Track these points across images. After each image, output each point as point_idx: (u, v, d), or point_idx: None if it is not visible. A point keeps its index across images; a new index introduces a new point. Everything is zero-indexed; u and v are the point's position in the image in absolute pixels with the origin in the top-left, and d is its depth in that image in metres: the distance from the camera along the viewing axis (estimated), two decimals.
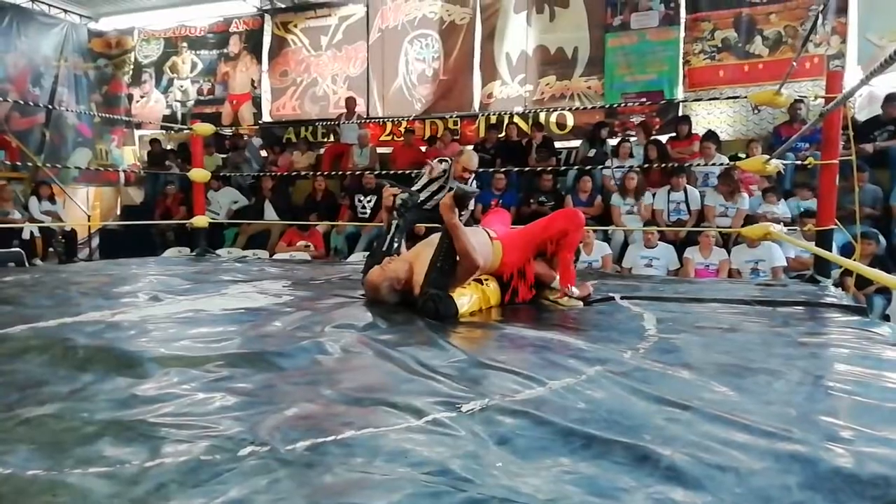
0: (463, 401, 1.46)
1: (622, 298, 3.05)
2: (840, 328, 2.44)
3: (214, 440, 1.20)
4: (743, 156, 7.11)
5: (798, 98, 7.18)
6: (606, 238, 6.54)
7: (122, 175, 10.33)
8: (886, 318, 5.19)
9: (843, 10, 7.26)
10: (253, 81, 10.22)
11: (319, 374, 1.71)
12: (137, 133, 11.17)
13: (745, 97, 4.70)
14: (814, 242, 4.11)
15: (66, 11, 10.53)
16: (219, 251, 7.20)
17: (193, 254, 5.95)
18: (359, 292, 3.05)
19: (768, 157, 4.06)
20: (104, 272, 4.18)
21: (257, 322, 2.36)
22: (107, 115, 8.83)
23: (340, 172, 8.17)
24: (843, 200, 6.15)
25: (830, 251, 4.06)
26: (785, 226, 5.96)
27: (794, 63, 3.88)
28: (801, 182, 6.48)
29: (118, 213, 10.24)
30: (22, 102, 8.50)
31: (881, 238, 5.82)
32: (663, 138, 7.71)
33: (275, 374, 1.70)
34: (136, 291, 3.12)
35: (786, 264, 5.56)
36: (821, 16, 7.11)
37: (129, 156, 11.08)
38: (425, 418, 1.34)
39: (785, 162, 4.73)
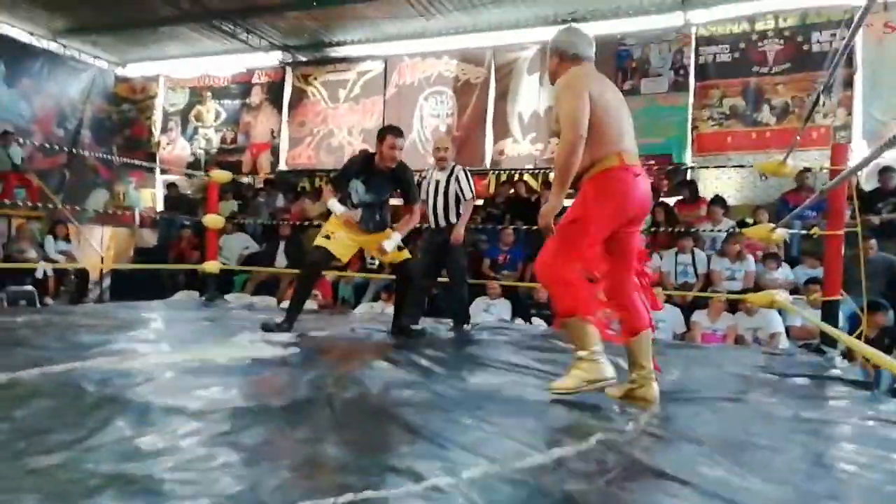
0: (463, 466, 1.47)
1: None
2: (843, 403, 2.43)
3: (215, 499, 1.22)
4: (750, 221, 7.19)
5: (805, 167, 7.33)
6: None
7: (137, 217, 10.51)
8: (895, 391, 5.12)
9: (848, 83, 7.42)
10: (272, 131, 10.48)
11: (322, 430, 1.73)
12: (161, 178, 11.42)
13: (752, 165, 4.77)
14: (819, 312, 4.13)
15: (95, 58, 10.92)
16: (228, 296, 7.27)
17: (203, 299, 6.00)
18: (365, 346, 3.08)
19: (774, 225, 4.10)
20: (115, 315, 4.23)
21: (263, 374, 2.39)
22: (127, 160, 9.02)
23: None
24: (856, 269, 6.21)
25: (836, 321, 4.06)
26: (790, 293, 6.01)
27: (799, 136, 3.97)
28: (807, 250, 6.50)
29: (131, 254, 10.37)
30: (47, 146, 8.73)
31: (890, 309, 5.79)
32: (671, 201, 7.79)
33: (278, 429, 1.72)
34: (145, 337, 3.16)
35: (782, 331, 5.52)
36: (826, 89, 7.27)
37: (147, 198, 11.30)
38: (424, 483, 1.35)
39: (790, 231, 4.77)
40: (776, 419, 2.14)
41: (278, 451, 1.55)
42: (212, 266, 5.57)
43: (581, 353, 2.26)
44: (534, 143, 8.88)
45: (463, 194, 4.52)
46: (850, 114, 7.45)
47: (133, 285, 8.28)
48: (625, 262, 2.35)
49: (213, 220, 5.55)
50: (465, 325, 4.60)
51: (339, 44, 9.98)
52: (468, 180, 4.58)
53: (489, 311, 6.53)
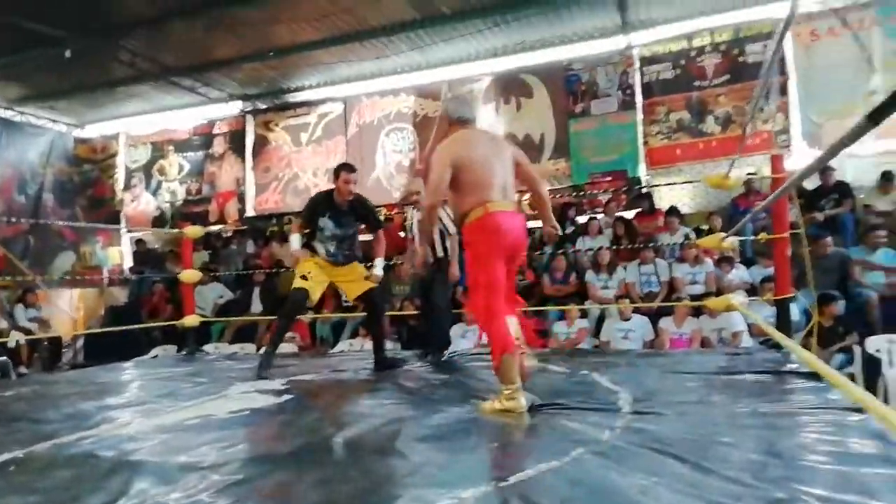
0: (467, 488, 1.64)
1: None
2: (795, 396, 2.68)
3: None
4: (705, 227, 7.56)
5: (750, 172, 7.75)
6: (584, 312, 6.80)
7: (106, 276, 10.47)
8: (850, 375, 5.44)
9: (784, 90, 7.91)
10: (238, 179, 10.60)
11: (331, 472, 1.89)
12: (128, 235, 11.40)
13: (699, 181, 5.09)
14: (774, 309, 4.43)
15: (53, 121, 10.94)
16: (206, 347, 7.32)
17: (183, 353, 6.06)
18: (353, 385, 3.24)
19: (725, 234, 4.39)
20: (98, 379, 4.28)
21: (264, 423, 2.53)
22: (89, 224, 9.05)
23: None
24: (816, 266, 6.57)
25: (789, 318, 4.35)
26: (747, 293, 6.33)
27: (741, 146, 4.29)
28: (761, 250, 6.85)
29: (102, 314, 10.30)
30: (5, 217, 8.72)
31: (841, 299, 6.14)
32: (630, 214, 8.13)
33: (290, 474, 1.87)
34: (140, 399, 3.26)
35: (744, 329, 5.82)
36: (763, 97, 7.74)
37: (115, 256, 11.26)
38: None
39: (741, 238, 5.09)
40: (736, 416, 2.37)
41: (295, 494, 1.70)
42: (191, 320, 5.65)
43: (507, 389, 2.57)
44: None
45: (447, 229, 4.69)
46: (787, 118, 7.92)
47: (107, 345, 8.24)
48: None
49: (189, 276, 5.65)
50: (444, 351, 4.80)
51: (297, 89, 10.20)
52: (449, 216, 4.65)
53: (465, 337, 6.71)
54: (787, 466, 1.76)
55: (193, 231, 5.77)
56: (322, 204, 4.21)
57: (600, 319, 6.75)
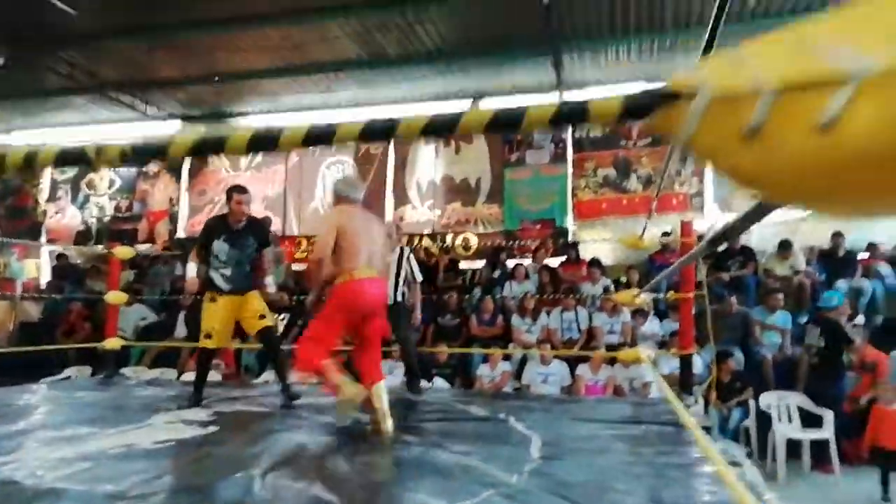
0: None
1: None
2: (686, 447, 2.98)
3: None
4: (623, 279, 8.03)
5: (665, 232, 8.31)
6: (507, 356, 7.06)
7: (19, 289, 10.01)
8: (745, 429, 5.91)
9: None
10: (171, 199, 10.44)
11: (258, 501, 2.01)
12: (48, 248, 10.95)
13: (618, 240, 5.48)
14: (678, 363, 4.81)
15: None
16: (125, 370, 7.13)
17: (100, 376, 5.90)
18: (273, 416, 3.33)
19: (638, 291, 4.76)
20: (13, 401, 4.18)
21: (190, 455, 2.60)
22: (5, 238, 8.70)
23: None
24: (722, 323, 7.09)
25: (691, 371, 4.74)
26: (660, 345, 6.77)
27: (651, 214, 4.69)
28: (672, 305, 7.33)
29: (11, 329, 9.82)
30: None
31: (739, 354, 6.65)
32: (556, 262, 8.53)
33: None
34: (60, 423, 3.24)
35: (653, 380, 6.22)
36: (681, 161, 8.38)
37: (32, 269, 10.78)
38: None
39: (652, 295, 5.49)
40: (633, 465, 2.63)
41: None
42: (113, 343, 5.54)
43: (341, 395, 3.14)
44: (431, 209, 9.45)
45: (414, 276, 4.95)
46: (702, 182, 8.58)
47: (15, 362, 7.87)
48: (367, 342, 3.40)
49: (116, 297, 5.57)
50: (420, 384, 5.02)
51: (239, 114, 10.23)
52: (415, 264, 5.03)
53: (392, 374, 6.83)
54: None
55: (123, 252, 5.71)
56: (216, 228, 4.29)
57: (522, 362, 7.02)
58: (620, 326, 7.18)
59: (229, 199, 4.27)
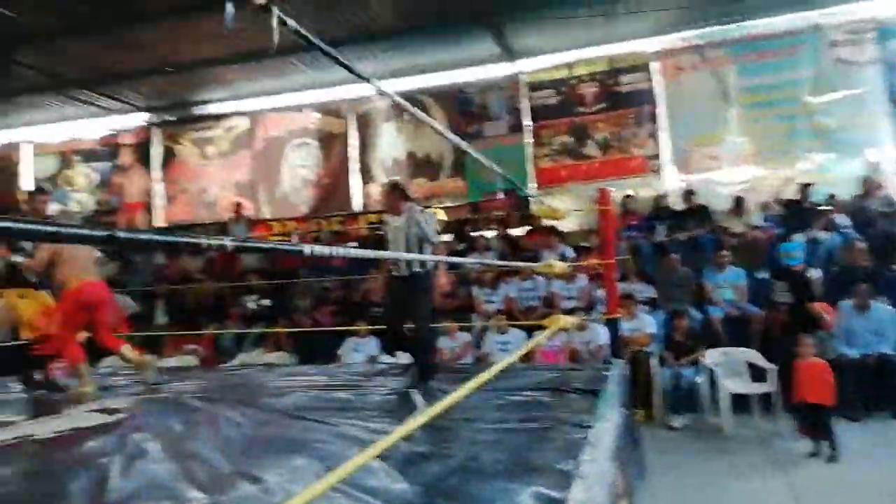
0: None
1: None
2: (550, 412, 3.19)
3: None
4: (586, 244, 8.16)
5: (626, 194, 8.42)
6: (468, 327, 7.27)
7: None
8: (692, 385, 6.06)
9: (654, 118, 8.65)
10: (146, 190, 10.66)
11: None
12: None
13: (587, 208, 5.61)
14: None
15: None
16: (112, 358, 7.44)
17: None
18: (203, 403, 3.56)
19: (568, 263, 4.94)
20: None
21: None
22: None
23: (228, 276, 8.64)
24: (670, 283, 7.22)
25: (617, 335, 4.92)
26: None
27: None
28: (631, 269, 7.45)
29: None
30: None
31: (694, 313, 6.79)
32: (520, 231, 8.69)
33: None
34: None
35: (606, 343, 6.41)
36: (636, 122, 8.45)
37: None
38: None
39: (570, 263, 5.72)
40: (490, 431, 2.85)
41: None
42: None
43: (85, 387, 4.28)
44: None
45: (429, 238, 4.22)
46: (658, 144, 8.64)
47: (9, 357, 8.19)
48: (97, 322, 4.49)
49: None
50: (428, 382, 4.12)
51: (203, 103, 10.35)
52: (429, 222, 4.25)
53: (358, 350, 7.08)
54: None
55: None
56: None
57: (483, 332, 7.23)
58: (577, 292, 7.36)
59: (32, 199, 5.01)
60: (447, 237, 9.16)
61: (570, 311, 6.95)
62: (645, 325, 6.39)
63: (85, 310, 4.39)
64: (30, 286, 4.69)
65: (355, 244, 9.29)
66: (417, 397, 3.69)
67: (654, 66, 8.66)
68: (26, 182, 11.16)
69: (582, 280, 7.43)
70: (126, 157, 10.72)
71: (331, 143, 9.81)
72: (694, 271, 7.16)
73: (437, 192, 9.45)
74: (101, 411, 3.53)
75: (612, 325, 4.93)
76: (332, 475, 1.53)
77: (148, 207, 10.64)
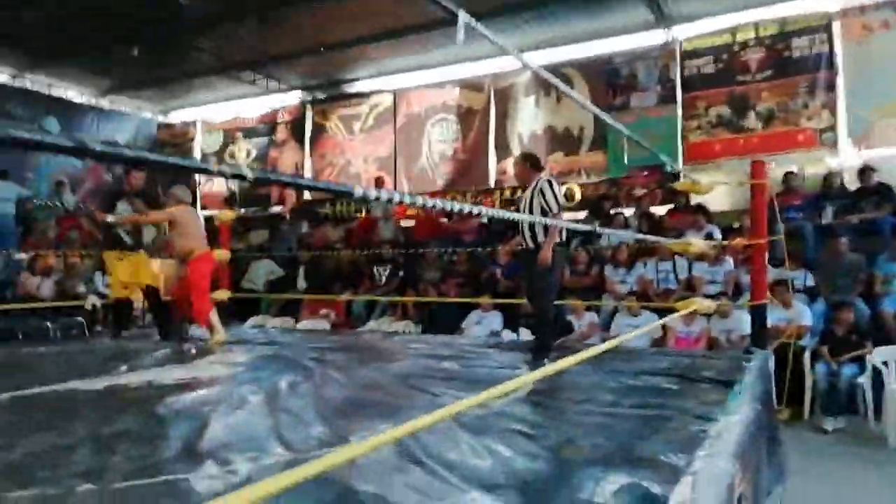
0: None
1: None
2: (668, 400, 2.85)
3: None
4: (737, 225, 7.40)
5: (789, 171, 7.51)
6: (598, 307, 6.91)
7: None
8: (853, 385, 5.30)
9: (831, 86, 7.57)
10: (297, 164, 11.33)
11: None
12: (202, 213, 12.44)
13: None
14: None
15: (139, 109, 12.10)
16: (254, 318, 8.06)
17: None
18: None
19: (711, 242, 4.46)
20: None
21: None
22: None
23: (366, 245, 8.93)
24: (836, 270, 6.37)
25: (764, 324, 4.35)
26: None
27: None
28: (790, 252, 6.63)
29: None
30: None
31: (861, 306, 5.93)
32: (663, 210, 8.08)
33: None
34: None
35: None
36: (809, 91, 7.46)
37: None
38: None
39: (711, 242, 5.14)
40: (596, 414, 2.60)
41: None
42: (222, 294, 6.27)
43: (218, 336, 4.95)
44: None
45: (549, 208, 4.04)
46: (834, 115, 7.58)
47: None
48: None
49: (221, 254, 6.28)
50: (544, 359, 3.92)
51: (351, 80, 10.74)
52: (553, 191, 4.05)
53: (481, 324, 7.00)
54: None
55: (225, 216, 6.41)
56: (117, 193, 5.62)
57: (614, 314, 6.84)
58: (723, 276, 6.71)
59: (126, 171, 5.66)
60: (582, 214, 8.76)
61: (713, 298, 6.36)
62: (800, 315, 5.66)
63: (211, 274, 5.20)
64: (127, 249, 5.37)
65: (486, 221, 9.21)
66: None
67: (836, 26, 7.57)
68: (197, 157, 12.34)
69: (728, 263, 6.76)
70: (281, 134, 11.44)
71: (470, 118, 9.74)
72: (865, 259, 6.24)
73: (576, 167, 9.04)
74: (222, 364, 3.73)
75: (757, 312, 4.38)
76: (397, 430, 1.42)
77: None
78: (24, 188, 9.64)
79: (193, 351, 4.52)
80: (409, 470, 1.92)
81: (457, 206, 1.91)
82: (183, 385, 3.10)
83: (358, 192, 1.34)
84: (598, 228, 3.50)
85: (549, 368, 2.08)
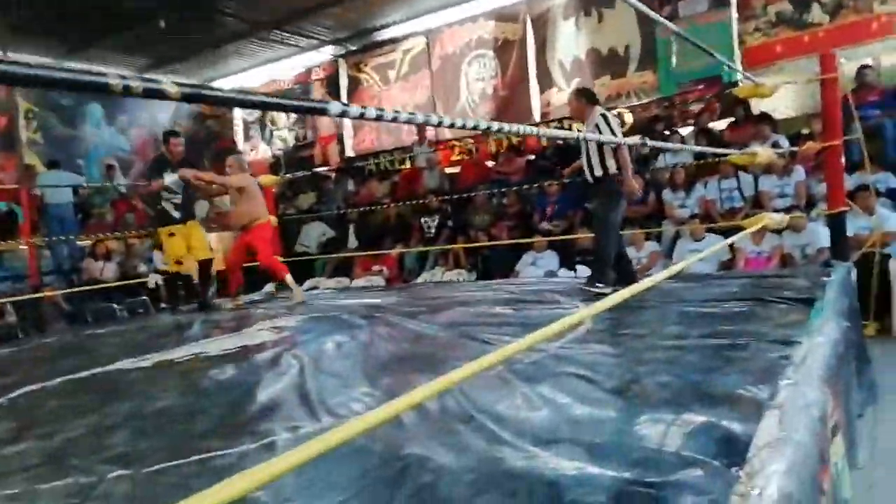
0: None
1: None
2: (746, 325, 2.58)
3: None
4: (806, 131, 6.81)
5: (863, 64, 6.80)
6: (658, 234, 6.55)
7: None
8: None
9: None
10: (336, 122, 11.15)
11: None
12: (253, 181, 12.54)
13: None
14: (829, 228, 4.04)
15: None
16: (310, 281, 8.09)
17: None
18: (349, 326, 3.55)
19: (759, 150, 4.06)
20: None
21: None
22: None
23: (411, 198, 8.75)
24: None
25: (843, 233, 3.96)
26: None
27: None
28: (872, 154, 6.05)
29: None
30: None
31: None
32: (724, 124, 7.53)
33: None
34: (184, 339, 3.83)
35: (828, 246, 5.30)
36: None
37: None
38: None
39: (778, 150, 4.66)
40: (668, 348, 2.37)
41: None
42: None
43: (295, 294, 5.30)
44: None
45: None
46: None
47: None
48: None
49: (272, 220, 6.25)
50: (597, 283, 3.93)
51: (382, 27, 10.35)
52: (608, 124, 4.02)
53: (536, 265, 6.77)
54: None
55: (267, 179, 6.35)
56: (163, 164, 5.48)
57: (676, 240, 6.48)
58: (794, 188, 6.20)
59: (166, 141, 5.56)
60: (633, 139, 8.25)
61: (784, 213, 5.90)
62: (885, 221, 5.17)
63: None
64: (176, 223, 5.40)
65: (532, 156, 8.86)
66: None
67: None
68: (239, 126, 12.35)
69: (799, 173, 6.24)
70: (318, 92, 11.24)
71: (507, 51, 9.26)
72: None
73: (624, 89, 8.50)
74: (270, 329, 3.67)
75: (836, 221, 3.98)
76: (437, 383, 1.24)
77: (339, 138, 11.14)
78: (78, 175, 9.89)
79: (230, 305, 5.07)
80: (456, 428, 1.77)
81: (519, 128, 1.69)
82: (229, 355, 3.04)
83: (334, 108, 1.13)
84: (648, 142, 3.10)
85: (608, 301, 1.84)
